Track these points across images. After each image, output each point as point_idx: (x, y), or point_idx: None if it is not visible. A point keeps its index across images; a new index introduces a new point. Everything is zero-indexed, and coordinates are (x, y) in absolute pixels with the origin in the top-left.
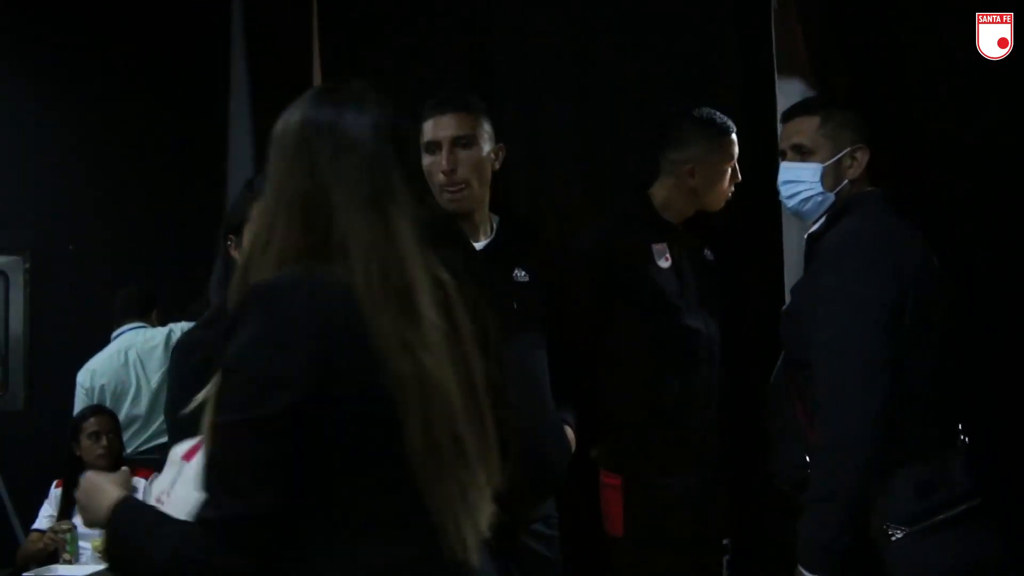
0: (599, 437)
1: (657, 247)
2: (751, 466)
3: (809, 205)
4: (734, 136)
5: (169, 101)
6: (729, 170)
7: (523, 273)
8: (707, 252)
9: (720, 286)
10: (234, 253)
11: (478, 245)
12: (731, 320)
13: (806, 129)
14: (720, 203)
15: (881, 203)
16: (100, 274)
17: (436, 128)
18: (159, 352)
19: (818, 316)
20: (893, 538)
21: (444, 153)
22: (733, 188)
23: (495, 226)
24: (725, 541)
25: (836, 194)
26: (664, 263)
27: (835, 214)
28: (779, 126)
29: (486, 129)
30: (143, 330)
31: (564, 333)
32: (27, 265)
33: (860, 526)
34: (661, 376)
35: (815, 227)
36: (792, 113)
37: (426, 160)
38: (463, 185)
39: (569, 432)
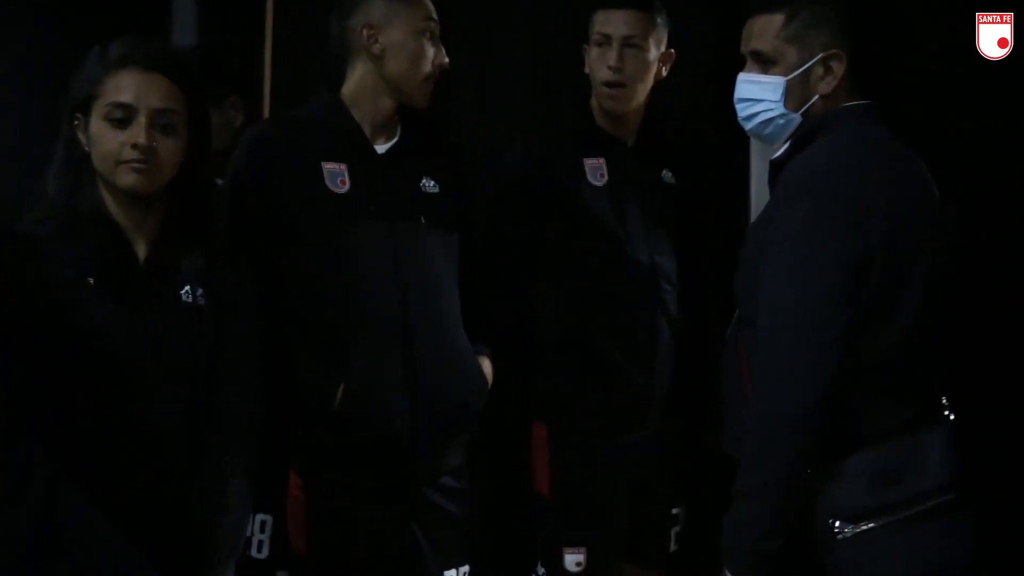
0: (527, 380)
1: (590, 162)
2: (711, 429)
3: (770, 128)
4: None
5: None
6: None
7: (432, 183)
8: (666, 174)
9: (680, 215)
10: (81, 137)
11: (379, 149)
12: (694, 259)
13: (767, 31)
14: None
15: (859, 123)
16: None
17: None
18: None
19: (765, 269)
20: (840, 536)
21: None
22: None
23: (399, 128)
24: (675, 510)
25: (803, 114)
26: (597, 181)
27: (801, 137)
28: None
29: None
30: None
31: (490, 255)
32: None
33: (795, 524)
34: (592, 313)
35: (778, 153)
36: (752, 9)
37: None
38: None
39: (486, 366)
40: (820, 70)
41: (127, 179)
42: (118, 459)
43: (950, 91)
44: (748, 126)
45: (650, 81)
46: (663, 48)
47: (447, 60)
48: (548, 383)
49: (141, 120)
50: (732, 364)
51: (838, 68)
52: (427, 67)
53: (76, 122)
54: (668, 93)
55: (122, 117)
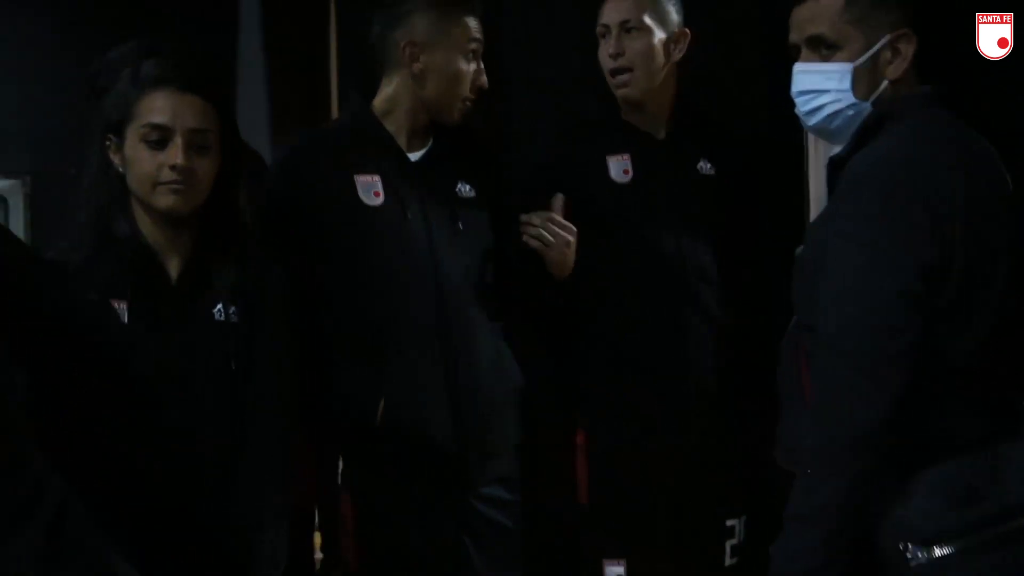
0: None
1: (614, 159)
2: (769, 438)
3: (839, 121)
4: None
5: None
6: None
7: (467, 187)
8: (703, 165)
9: (722, 208)
10: (114, 158)
11: (412, 157)
12: (740, 256)
13: (827, 13)
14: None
15: (929, 111)
16: None
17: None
18: None
19: (825, 270)
20: (913, 562)
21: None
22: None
23: (431, 135)
24: (731, 522)
25: (873, 103)
26: (622, 177)
27: (865, 129)
28: None
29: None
30: None
31: (522, 259)
32: (26, 190)
33: (855, 554)
34: (620, 313)
35: (839, 148)
36: None
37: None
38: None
39: None
40: (888, 53)
41: (165, 201)
42: (153, 479)
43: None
44: (812, 121)
45: (658, 63)
46: (673, 28)
47: (486, 81)
48: (584, 387)
49: (178, 141)
50: (790, 372)
51: (907, 50)
52: (465, 89)
53: (108, 143)
54: (713, 81)
55: (159, 138)
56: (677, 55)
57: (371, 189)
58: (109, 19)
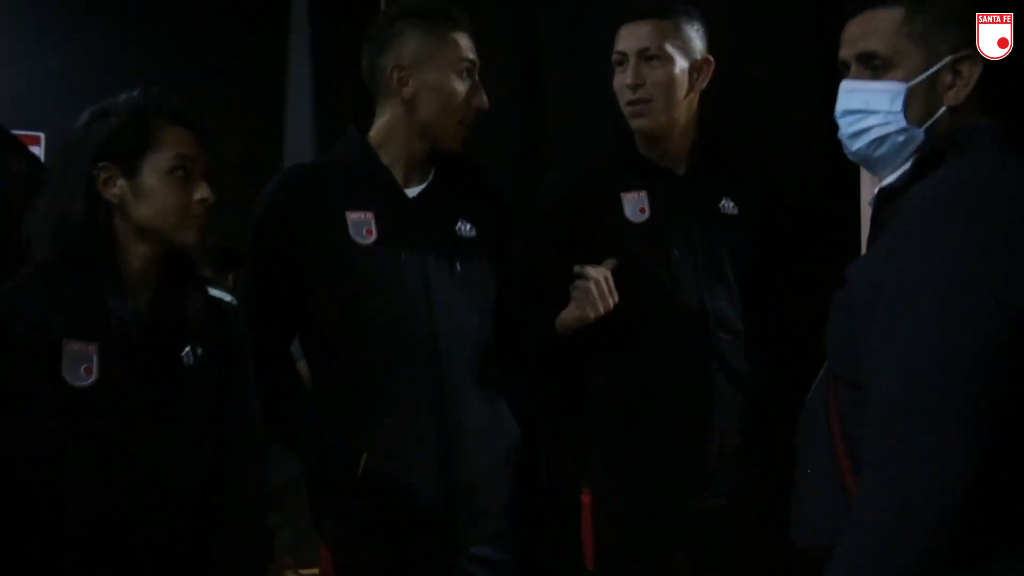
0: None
1: (629, 196)
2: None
3: (885, 147)
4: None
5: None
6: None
7: (468, 226)
8: (725, 204)
9: (744, 249)
10: (105, 189)
11: (410, 192)
12: (767, 303)
13: (883, 28)
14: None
15: (999, 146)
16: None
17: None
18: None
19: (883, 317)
20: None
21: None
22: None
23: (433, 169)
24: None
25: (926, 130)
26: (638, 216)
27: (926, 159)
28: None
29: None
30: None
31: (525, 300)
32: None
33: None
34: (634, 365)
35: (891, 178)
36: (860, 4)
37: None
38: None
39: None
40: (949, 76)
41: (190, 235)
42: (128, 529)
43: None
44: (855, 145)
45: (680, 94)
46: (696, 56)
47: (486, 101)
48: (591, 443)
49: (200, 175)
50: (816, 431)
51: (971, 74)
52: (461, 111)
53: (96, 172)
54: (750, 107)
55: (188, 171)
56: (701, 84)
57: (363, 227)
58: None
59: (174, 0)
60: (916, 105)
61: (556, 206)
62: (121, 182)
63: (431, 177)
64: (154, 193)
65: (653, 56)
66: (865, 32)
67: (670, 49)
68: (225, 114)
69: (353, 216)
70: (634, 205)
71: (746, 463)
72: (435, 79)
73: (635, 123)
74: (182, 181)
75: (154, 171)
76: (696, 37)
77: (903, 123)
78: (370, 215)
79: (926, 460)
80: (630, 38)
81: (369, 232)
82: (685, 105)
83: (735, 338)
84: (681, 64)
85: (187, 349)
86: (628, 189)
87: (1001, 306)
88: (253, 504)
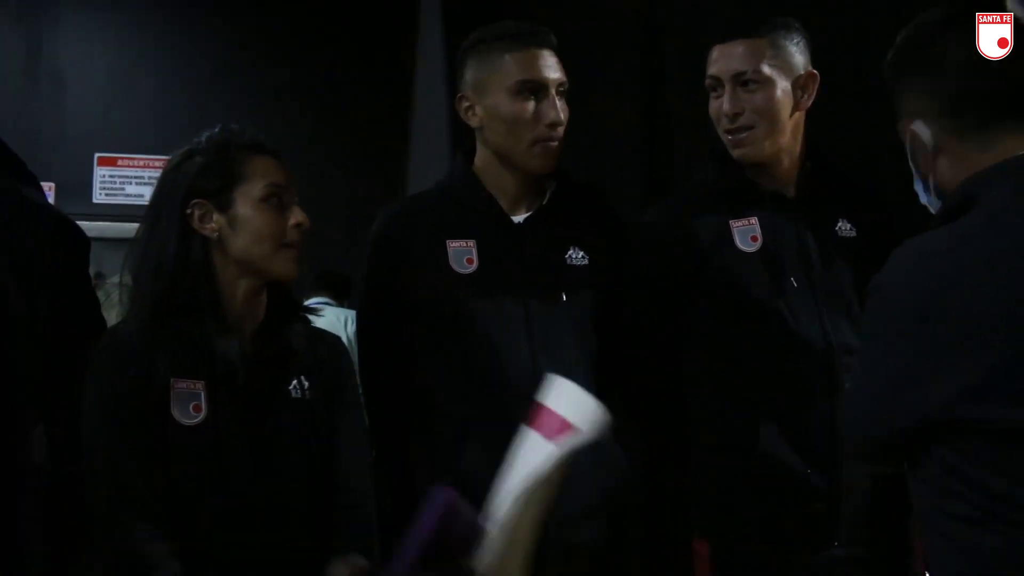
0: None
1: (739, 224)
2: None
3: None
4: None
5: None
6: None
7: (580, 254)
8: (842, 226)
9: (866, 273)
10: (201, 225)
11: (517, 219)
12: None
13: None
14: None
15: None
16: None
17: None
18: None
19: None
20: None
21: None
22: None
23: (549, 192)
24: None
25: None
26: (748, 246)
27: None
28: None
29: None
30: (335, 308)
31: (633, 337)
32: None
33: None
34: (753, 405)
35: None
36: None
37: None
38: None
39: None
40: None
41: (287, 265)
42: (242, 561)
43: None
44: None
45: (783, 117)
46: (799, 71)
47: (558, 116)
48: (708, 490)
49: (294, 202)
50: None
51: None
52: (529, 130)
53: (190, 211)
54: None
55: (281, 199)
56: (807, 102)
57: (464, 255)
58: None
59: (303, 28)
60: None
61: (660, 236)
62: (217, 216)
63: (544, 202)
64: (249, 222)
65: (750, 80)
66: None
67: (768, 70)
68: (351, 143)
69: (454, 245)
70: (745, 234)
71: (880, 511)
72: (493, 104)
73: (736, 152)
74: (276, 208)
75: (247, 201)
76: (797, 52)
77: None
78: (471, 243)
79: None
80: (723, 61)
81: (470, 261)
82: (791, 127)
83: None
84: (782, 84)
85: (294, 382)
86: (737, 217)
87: None
88: (368, 525)
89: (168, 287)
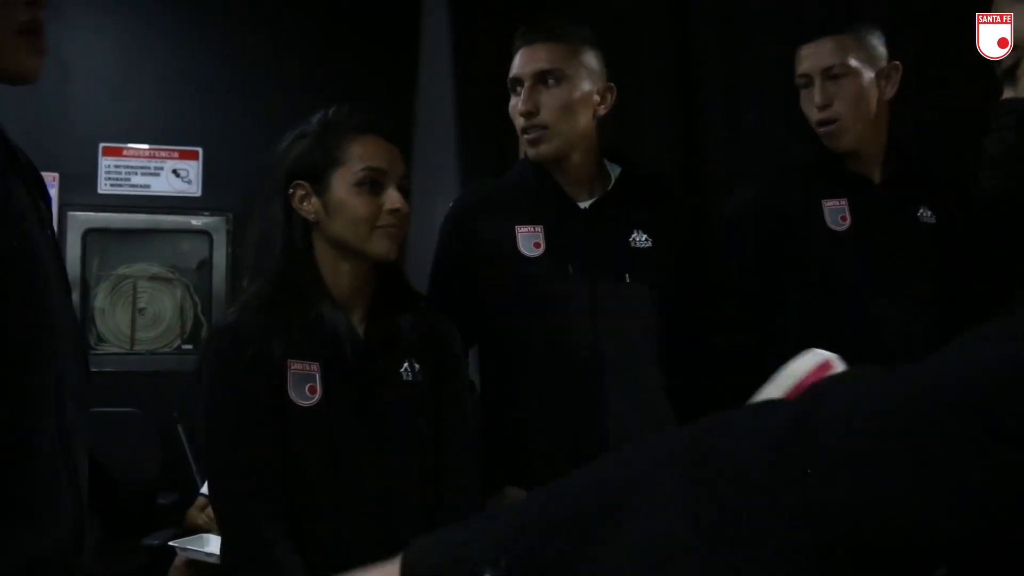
0: None
1: (830, 204)
2: None
3: None
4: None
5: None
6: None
7: (644, 237)
8: (924, 212)
9: (943, 259)
10: (302, 207)
11: (583, 204)
12: (971, 319)
13: None
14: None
15: None
16: None
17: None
18: None
19: None
20: None
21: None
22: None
23: (613, 178)
24: None
25: None
26: (838, 225)
27: None
28: None
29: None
30: None
31: (717, 312)
32: (229, 227)
33: None
34: None
35: None
36: None
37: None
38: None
39: None
40: None
41: (382, 245)
42: (351, 540)
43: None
44: None
45: (870, 106)
46: (882, 63)
47: (523, 107)
48: None
49: (392, 185)
50: None
51: None
52: (520, 123)
53: (291, 191)
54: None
55: (377, 182)
56: (890, 92)
57: (531, 240)
58: (310, 73)
59: (310, 20)
60: None
61: (751, 213)
62: (315, 199)
63: (610, 187)
64: (343, 206)
65: (838, 74)
66: None
67: (854, 63)
68: None
69: (523, 230)
70: (835, 213)
71: None
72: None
73: (828, 143)
74: (370, 192)
75: (342, 184)
76: (879, 44)
77: None
78: (539, 228)
79: None
80: (812, 58)
81: (537, 245)
82: (876, 115)
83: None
84: (868, 75)
85: (405, 365)
86: (829, 197)
87: None
88: (472, 498)
89: (278, 267)
